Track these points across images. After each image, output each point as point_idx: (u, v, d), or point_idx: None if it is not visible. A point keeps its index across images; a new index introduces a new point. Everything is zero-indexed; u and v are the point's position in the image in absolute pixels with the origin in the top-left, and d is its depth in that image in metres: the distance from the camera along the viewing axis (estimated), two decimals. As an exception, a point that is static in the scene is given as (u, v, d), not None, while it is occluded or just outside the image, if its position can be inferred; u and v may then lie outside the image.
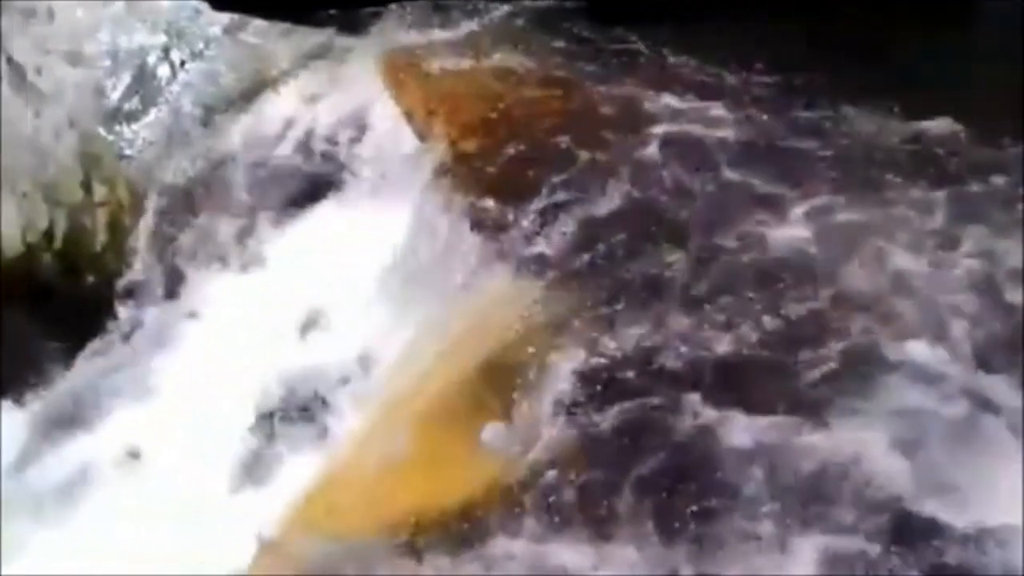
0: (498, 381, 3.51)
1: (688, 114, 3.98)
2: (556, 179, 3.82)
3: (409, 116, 4.13)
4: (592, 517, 2.95)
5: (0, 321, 4.77)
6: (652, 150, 3.80)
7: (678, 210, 3.67)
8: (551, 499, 3.01)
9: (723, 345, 3.24)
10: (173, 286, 4.67)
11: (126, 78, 4.70)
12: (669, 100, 4.03)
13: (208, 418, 4.41)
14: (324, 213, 4.43)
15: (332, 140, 4.43)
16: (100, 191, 4.70)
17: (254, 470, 4.31)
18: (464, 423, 3.48)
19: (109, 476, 4.39)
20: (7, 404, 4.85)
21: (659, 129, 3.91)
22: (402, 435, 3.65)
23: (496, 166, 3.92)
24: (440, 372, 3.77)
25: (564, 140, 3.92)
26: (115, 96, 4.68)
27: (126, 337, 4.67)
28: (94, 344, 4.66)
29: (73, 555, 4.16)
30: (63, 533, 4.30)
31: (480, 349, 3.70)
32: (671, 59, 4.31)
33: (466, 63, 4.23)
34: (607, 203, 3.72)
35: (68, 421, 4.53)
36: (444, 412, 3.58)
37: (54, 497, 4.38)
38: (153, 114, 4.67)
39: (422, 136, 4.09)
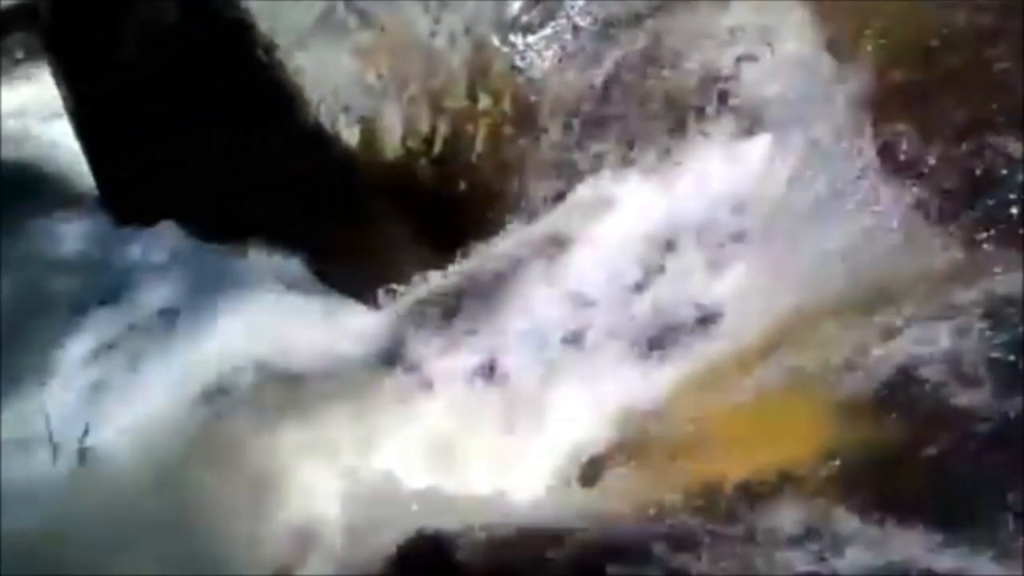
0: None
1: None
2: (992, 119, 3.48)
3: (831, 40, 3.85)
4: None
5: (374, 221, 4.88)
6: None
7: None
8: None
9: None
10: (541, 205, 4.60)
11: (528, -13, 4.64)
12: None
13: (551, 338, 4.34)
14: (719, 139, 4.22)
15: (738, 61, 4.20)
16: (485, 101, 4.68)
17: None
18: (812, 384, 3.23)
19: (457, 385, 4.40)
20: (365, 306, 4.95)
21: None
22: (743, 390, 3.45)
23: (926, 101, 3.61)
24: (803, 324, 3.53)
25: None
26: (515, 6, 4.63)
27: (489, 250, 4.64)
28: (461, 253, 4.64)
29: (417, 453, 4.20)
30: (408, 434, 4.34)
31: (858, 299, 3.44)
32: None
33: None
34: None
35: (426, 328, 4.56)
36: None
37: (401, 397, 4.42)
38: (550, 28, 4.59)
39: (842, 62, 3.81)
